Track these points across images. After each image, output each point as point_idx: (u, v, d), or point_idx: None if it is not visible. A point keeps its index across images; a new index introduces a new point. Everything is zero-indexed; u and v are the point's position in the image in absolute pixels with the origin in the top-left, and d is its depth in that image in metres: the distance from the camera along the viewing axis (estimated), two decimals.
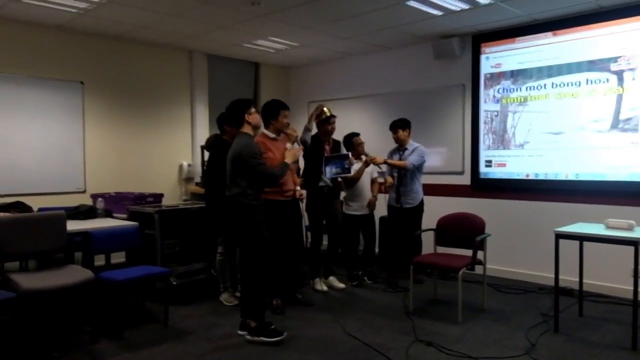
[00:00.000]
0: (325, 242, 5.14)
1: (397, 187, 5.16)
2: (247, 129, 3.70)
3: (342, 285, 5.06)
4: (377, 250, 5.68)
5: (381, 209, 5.46)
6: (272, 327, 3.74)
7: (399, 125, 5.22)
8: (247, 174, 3.59)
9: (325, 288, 4.95)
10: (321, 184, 4.86)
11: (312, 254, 5.01)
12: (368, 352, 3.45)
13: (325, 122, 4.90)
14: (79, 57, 5.60)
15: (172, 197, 6.27)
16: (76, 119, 5.57)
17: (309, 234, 6.42)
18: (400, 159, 5.14)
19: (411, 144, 5.22)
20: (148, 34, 5.69)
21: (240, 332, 3.73)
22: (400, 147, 5.22)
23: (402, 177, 5.16)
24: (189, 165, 6.52)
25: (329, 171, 4.81)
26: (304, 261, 4.97)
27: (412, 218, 5.18)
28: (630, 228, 3.66)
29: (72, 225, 4.10)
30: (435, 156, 6.03)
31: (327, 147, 4.96)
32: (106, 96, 5.83)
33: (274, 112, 4.17)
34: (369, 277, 5.34)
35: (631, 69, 4.68)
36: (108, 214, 4.74)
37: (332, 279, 5.11)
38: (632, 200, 4.65)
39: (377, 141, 5.70)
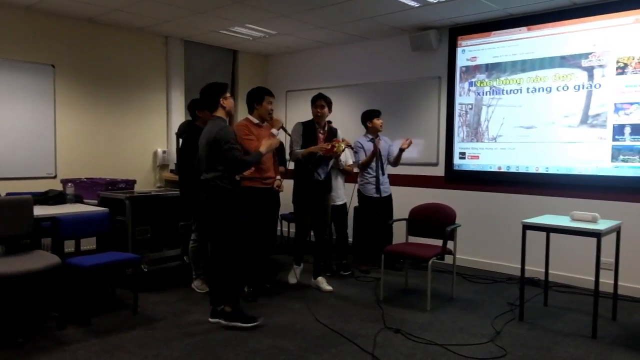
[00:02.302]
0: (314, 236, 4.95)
1: (377, 177, 5.19)
2: (220, 113, 3.66)
3: (329, 288, 4.63)
4: (350, 240, 5.72)
5: (355, 199, 5.48)
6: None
7: (379, 112, 5.35)
8: (221, 158, 3.55)
9: (294, 281, 4.79)
10: (316, 177, 4.52)
11: (294, 241, 4.80)
12: (337, 339, 3.49)
13: (312, 105, 4.64)
14: (50, 40, 5.47)
15: (146, 184, 6.21)
16: (47, 103, 5.45)
17: (285, 223, 6.47)
18: (373, 146, 5.17)
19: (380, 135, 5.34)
20: (122, 18, 5.59)
21: (211, 320, 3.72)
22: (375, 136, 5.26)
23: (382, 166, 5.21)
24: (164, 152, 6.46)
25: (323, 173, 4.53)
26: (274, 251, 4.99)
27: (388, 207, 5.33)
28: (594, 220, 3.76)
29: (40, 211, 4.04)
30: (411, 147, 6.00)
31: (321, 136, 4.60)
32: (78, 80, 5.72)
33: (258, 97, 4.23)
34: (344, 268, 5.23)
35: (601, 66, 4.77)
36: (78, 199, 4.68)
37: (320, 279, 4.71)
38: (598, 193, 4.77)
39: (353, 131, 5.71)
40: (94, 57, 5.83)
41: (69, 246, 4.39)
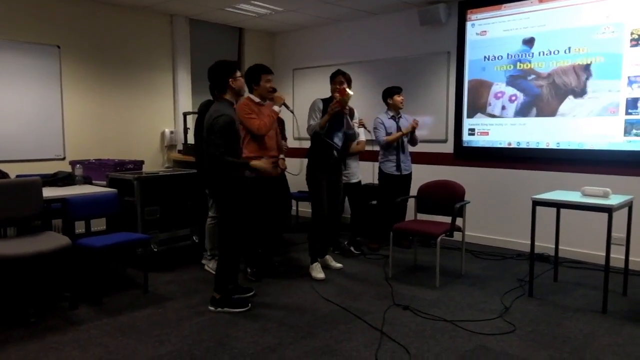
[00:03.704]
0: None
1: (397, 154, 5.16)
2: (229, 95, 3.52)
3: (339, 265, 4.64)
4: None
5: (364, 177, 5.45)
6: (247, 295, 3.79)
7: (401, 89, 5.29)
8: (230, 140, 3.40)
9: (322, 276, 4.33)
10: (335, 157, 4.36)
11: (311, 233, 4.45)
12: (346, 316, 3.51)
13: (331, 82, 4.42)
14: (54, 20, 5.43)
15: (154, 165, 6.23)
16: (53, 84, 5.44)
17: (294, 202, 6.47)
18: (397, 125, 5.15)
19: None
20: None
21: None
22: (398, 114, 5.21)
23: (403, 144, 5.18)
24: (171, 132, 6.45)
25: (339, 140, 4.36)
26: (287, 229, 4.98)
27: (408, 184, 5.31)
28: (605, 195, 3.71)
29: (50, 192, 4.07)
30: (420, 124, 5.99)
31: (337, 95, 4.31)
32: (84, 61, 5.69)
33: (255, 77, 4.11)
34: (356, 246, 5.22)
35: (614, 38, 4.65)
36: (87, 180, 4.70)
37: (328, 257, 4.67)
38: (609, 168, 4.70)
39: (363, 108, 5.65)
40: (100, 37, 5.79)
41: (80, 227, 4.42)
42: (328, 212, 4.42)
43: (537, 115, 5.17)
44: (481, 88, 5.55)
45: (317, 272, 4.32)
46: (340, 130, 4.33)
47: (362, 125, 5.04)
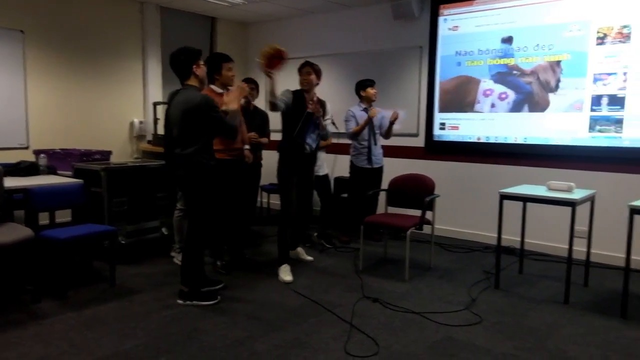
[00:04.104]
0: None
1: (369, 147, 5.17)
2: (193, 81, 3.45)
3: (309, 258, 4.67)
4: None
5: (337, 170, 5.47)
6: (216, 287, 3.75)
7: (374, 82, 5.28)
8: (207, 129, 3.35)
9: (290, 278, 4.11)
10: (307, 151, 4.25)
11: (279, 234, 4.28)
12: (316, 309, 3.52)
13: (299, 73, 4.30)
14: (18, 4, 5.23)
15: (123, 155, 6.10)
16: (16, 71, 5.25)
17: (265, 195, 6.44)
18: (368, 116, 5.14)
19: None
20: None
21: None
22: (370, 106, 5.21)
23: (375, 136, 5.18)
24: (141, 122, 6.33)
25: (312, 141, 4.27)
26: (254, 221, 4.95)
27: (379, 178, 5.31)
28: (569, 190, 3.81)
29: (12, 182, 3.94)
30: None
31: (311, 107, 4.22)
32: (50, 47, 5.51)
33: (215, 66, 3.99)
34: (327, 240, 5.24)
35: (581, 36, 4.76)
36: (51, 170, 4.57)
37: (299, 250, 4.70)
38: (574, 163, 4.83)
39: (335, 101, 5.63)
40: (67, 24, 5.61)
41: (44, 218, 4.31)
42: (298, 208, 4.36)
43: (506, 110, 5.26)
44: (468, 85, 5.48)
45: (285, 275, 4.14)
46: (314, 132, 4.27)
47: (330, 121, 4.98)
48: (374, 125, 5.17)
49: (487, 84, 5.36)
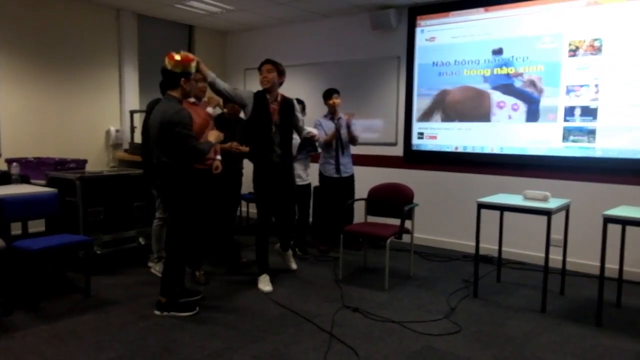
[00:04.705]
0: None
1: (337, 156, 5.17)
2: (177, 93, 3.42)
3: (294, 267, 4.64)
4: (310, 220, 5.71)
5: (316, 179, 5.46)
6: (194, 298, 3.71)
7: (338, 92, 5.25)
8: (174, 143, 3.33)
9: (269, 289, 4.07)
10: (273, 155, 4.10)
11: (257, 244, 4.20)
12: (295, 319, 3.49)
13: (258, 70, 4.09)
14: None
15: (99, 164, 5.99)
16: None
17: (244, 204, 6.39)
18: (335, 127, 5.14)
19: (339, 113, 5.27)
20: None
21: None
22: (335, 115, 5.21)
23: (344, 146, 5.19)
24: (117, 130, 6.23)
25: (304, 158, 4.35)
26: (234, 231, 4.91)
27: (350, 187, 5.30)
28: (545, 199, 3.87)
29: None
30: (370, 127, 6.09)
31: (276, 107, 4.08)
32: (23, 54, 5.40)
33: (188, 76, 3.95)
34: (300, 248, 5.22)
35: (554, 48, 4.87)
36: (24, 179, 4.47)
37: (289, 254, 4.66)
38: (549, 173, 4.92)
39: (313, 111, 5.66)
40: (41, 30, 5.51)
41: (17, 229, 4.19)
42: (277, 218, 4.36)
43: (483, 121, 5.34)
44: (480, 98, 5.35)
45: (265, 285, 4.09)
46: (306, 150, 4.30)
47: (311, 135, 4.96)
48: (340, 134, 5.18)
49: (496, 95, 5.26)
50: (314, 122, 5.23)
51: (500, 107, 5.22)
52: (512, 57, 5.12)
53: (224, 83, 3.95)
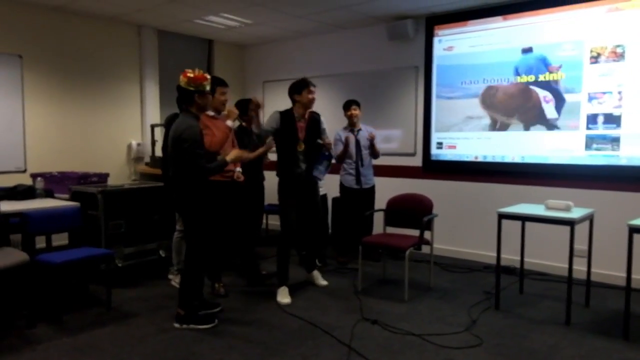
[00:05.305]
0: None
1: (357, 168, 5.17)
2: (194, 109, 3.48)
3: (324, 283, 4.54)
4: (330, 231, 5.71)
5: (335, 190, 5.45)
6: (213, 311, 3.73)
7: (358, 103, 5.25)
8: (185, 159, 3.38)
9: (287, 301, 4.09)
10: (298, 170, 4.20)
11: (278, 256, 4.24)
12: (314, 331, 3.47)
13: (302, 90, 4.16)
14: (16, 29, 5.28)
15: (121, 177, 6.09)
16: (15, 95, 5.27)
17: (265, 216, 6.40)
18: (356, 139, 5.15)
19: (362, 125, 5.26)
20: (92, 6, 5.42)
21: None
22: (354, 127, 5.22)
23: (363, 157, 5.19)
24: (139, 144, 6.33)
25: (323, 171, 4.28)
26: (257, 242, 4.90)
27: (371, 198, 5.28)
28: (567, 209, 3.80)
29: (8, 206, 3.93)
30: (389, 138, 6.07)
31: (302, 125, 4.21)
32: (48, 71, 5.55)
33: (210, 89, 4.00)
34: (320, 259, 5.14)
35: (575, 55, 4.80)
36: (48, 194, 4.56)
37: (315, 273, 4.60)
38: (572, 182, 4.82)
39: (331, 122, 5.65)
40: (64, 47, 5.66)
41: (41, 242, 4.28)
42: (304, 230, 4.37)
43: (503, 129, 5.27)
44: (449, 101, 5.57)
45: (283, 297, 4.10)
46: (322, 163, 4.26)
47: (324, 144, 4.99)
48: (361, 146, 5.17)
49: (541, 91, 5.05)
50: (333, 135, 5.24)
51: (547, 102, 5.00)
52: (531, 64, 5.06)
53: (264, 132, 4.16)
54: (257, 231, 4.87)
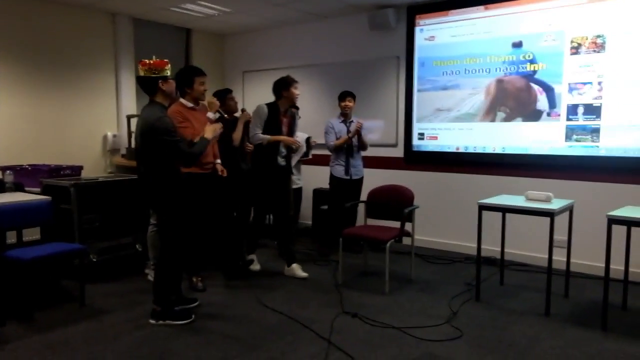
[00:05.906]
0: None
1: (347, 159, 5.11)
2: (159, 98, 3.34)
3: (304, 275, 4.49)
4: (310, 223, 5.65)
5: (317, 182, 5.39)
6: (190, 306, 3.66)
7: (353, 95, 5.21)
8: (161, 151, 3.24)
9: (257, 268, 4.67)
10: (278, 162, 4.45)
11: (250, 230, 4.73)
12: (293, 326, 3.42)
13: (290, 87, 4.36)
14: None
15: (96, 170, 5.93)
16: None
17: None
18: (348, 129, 5.12)
19: (354, 117, 5.26)
20: None
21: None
22: (347, 118, 5.15)
23: (352, 149, 5.14)
24: (114, 135, 6.17)
25: (295, 161, 4.58)
26: (238, 234, 4.83)
27: (358, 190, 5.25)
28: (547, 200, 3.79)
29: None
30: (370, 128, 5.99)
31: (285, 119, 4.45)
32: (17, 60, 5.35)
33: (187, 79, 3.84)
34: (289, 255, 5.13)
35: (556, 46, 4.78)
36: (18, 187, 4.41)
37: (295, 266, 4.54)
38: (552, 173, 4.83)
39: (313, 113, 5.60)
40: (35, 36, 5.46)
41: (11, 237, 4.15)
42: (275, 214, 4.66)
43: (484, 120, 5.25)
44: (430, 92, 5.54)
45: (255, 265, 4.68)
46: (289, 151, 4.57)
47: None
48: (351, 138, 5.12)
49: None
50: (325, 124, 5.17)
51: (540, 94, 4.94)
52: (512, 55, 5.03)
53: (262, 136, 4.35)
54: (244, 223, 4.81)
